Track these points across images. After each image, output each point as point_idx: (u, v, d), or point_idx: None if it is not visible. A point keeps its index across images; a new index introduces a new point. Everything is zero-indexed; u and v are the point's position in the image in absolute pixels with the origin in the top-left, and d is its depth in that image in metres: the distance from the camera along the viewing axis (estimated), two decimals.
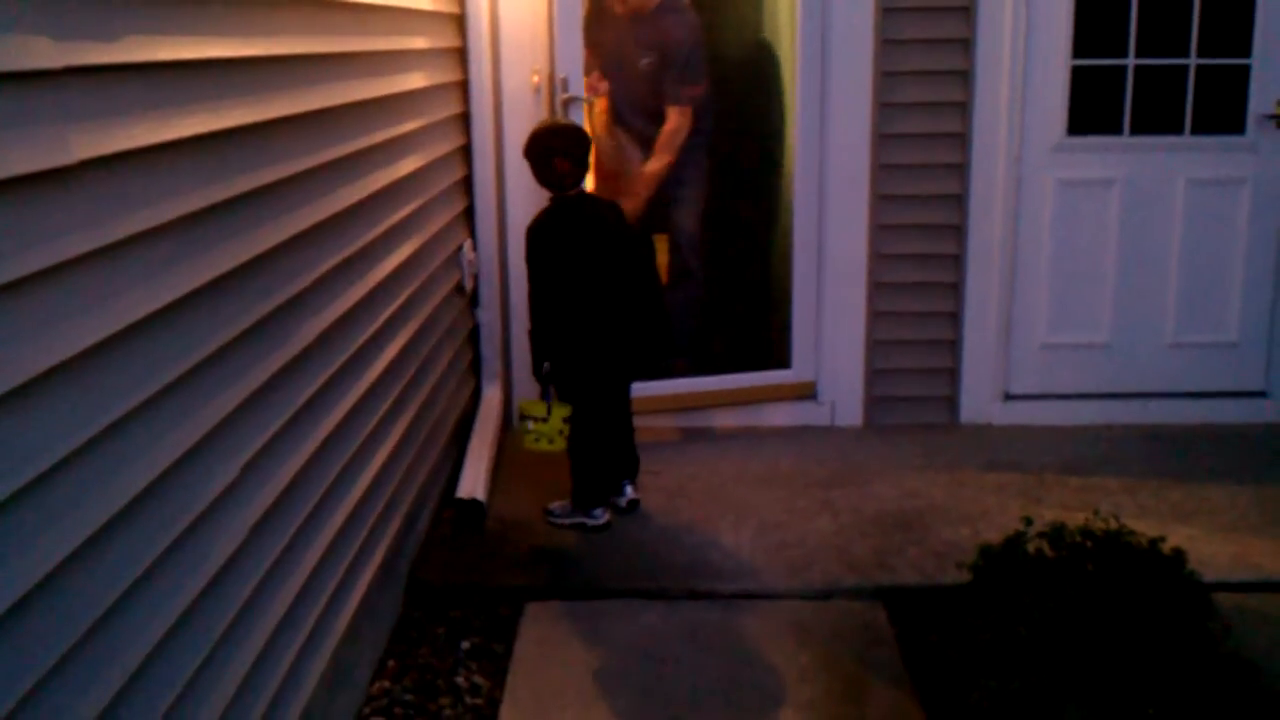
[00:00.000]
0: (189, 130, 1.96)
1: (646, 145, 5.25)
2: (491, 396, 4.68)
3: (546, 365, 3.80)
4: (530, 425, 3.80)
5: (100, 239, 1.66)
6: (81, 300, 1.63)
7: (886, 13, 4.50)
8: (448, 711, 2.98)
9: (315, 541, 2.63)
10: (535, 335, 3.83)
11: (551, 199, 3.82)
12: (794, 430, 4.84)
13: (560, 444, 3.82)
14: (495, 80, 4.52)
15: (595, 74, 4.70)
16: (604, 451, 3.93)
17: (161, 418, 1.87)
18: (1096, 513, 3.14)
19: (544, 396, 3.81)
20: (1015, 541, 2.98)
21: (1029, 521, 3.04)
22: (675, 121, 4.94)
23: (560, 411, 3.79)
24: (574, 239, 3.77)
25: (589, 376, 3.85)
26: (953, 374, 4.82)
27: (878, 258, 4.71)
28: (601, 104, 4.76)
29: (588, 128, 4.51)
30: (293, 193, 2.49)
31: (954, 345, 4.80)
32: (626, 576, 3.57)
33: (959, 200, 4.67)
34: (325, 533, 2.69)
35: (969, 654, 2.84)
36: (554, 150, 3.73)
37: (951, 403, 4.85)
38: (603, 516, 3.89)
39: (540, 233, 3.78)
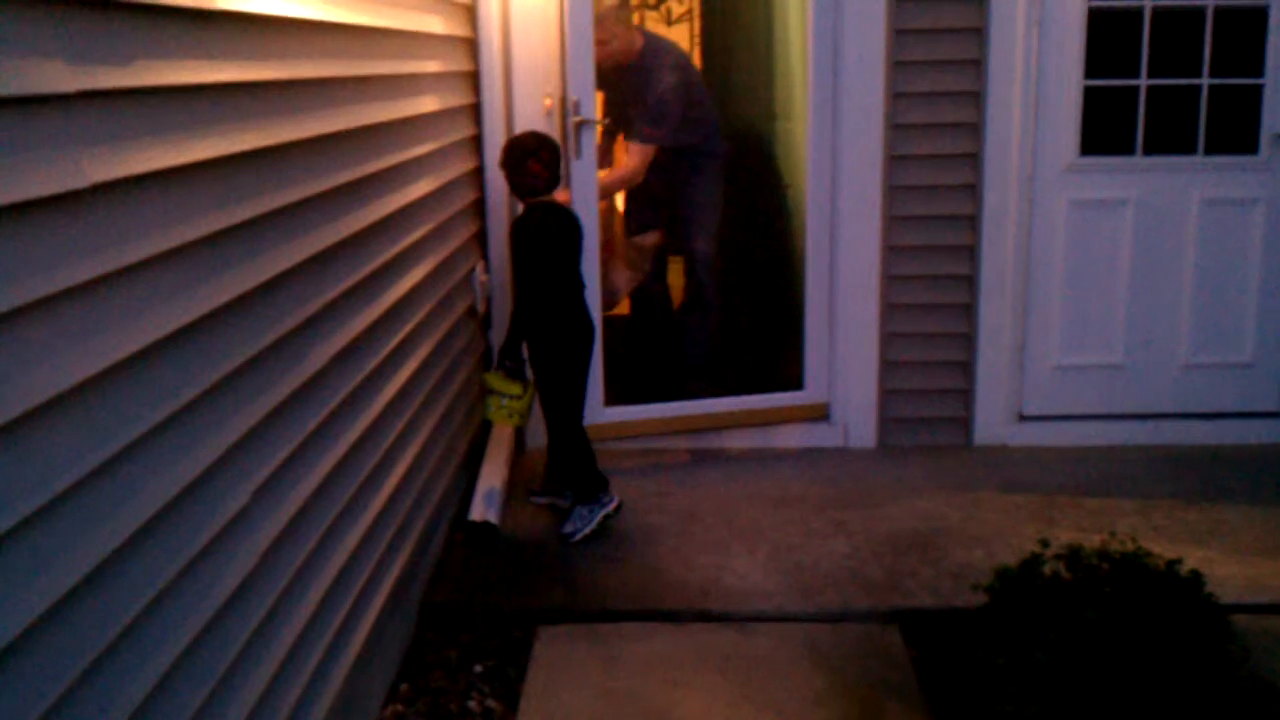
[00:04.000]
0: (201, 154, 1.96)
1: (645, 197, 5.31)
2: None
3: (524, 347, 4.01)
4: (504, 401, 3.99)
5: (112, 263, 1.66)
6: (93, 324, 1.62)
7: (898, 34, 4.50)
8: None
9: (328, 566, 2.62)
10: (520, 318, 3.99)
11: (529, 204, 3.96)
12: (807, 452, 4.82)
13: (519, 420, 4.05)
14: (507, 104, 4.53)
15: None
16: (585, 435, 4.07)
17: (172, 443, 1.86)
18: (1113, 534, 3.12)
19: (509, 376, 3.99)
20: (1031, 564, 2.96)
21: (1045, 543, 3.02)
22: (628, 165, 4.94)
23: (529, 391, 4.02)
24: (558, 236, 3.94)
25: (577, 362, 4.00)
26: (966, 395, 4.81)
27: (890, 279, 4.70)
28: None
29: (596, 152, 4.53)
30: (304, 217, 2.50)
31: (967, 366, 4.78)
32: (639, 599, 3.55)
33: (971, 221, 4.66)
34: (338, 557, 2.69)
35: (985, 678, 2.82)
36: (529, 154, 3.90)
37: (965, 424, 4.83)
38: (615, 497, 4.01)
39: (531, 229, 3.92)
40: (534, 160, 3.88)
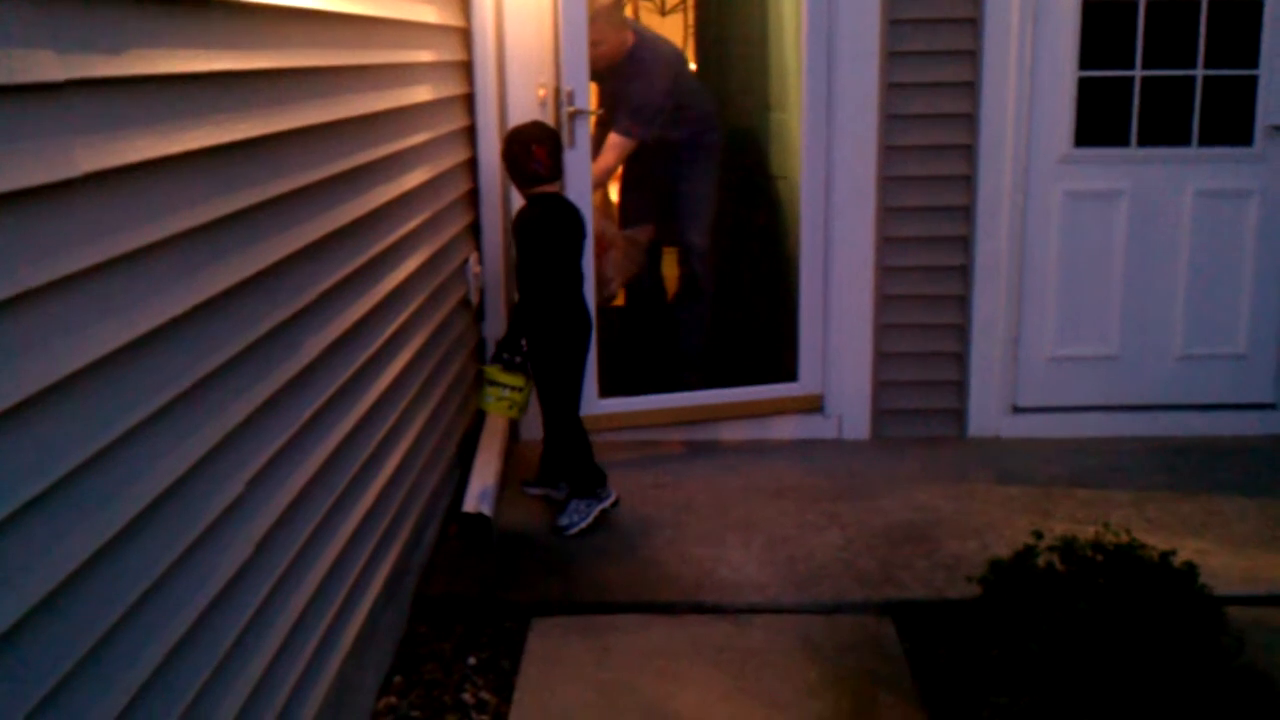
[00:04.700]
0: (194, 144, 1.95)
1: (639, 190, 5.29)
2: None
3: (524, 341, 3.98)
4: (505, 392, 3.98)
5: (104, 253, 1.65)
6: (84, 315, 1.62)
7: (893, 24, 4.50)
8: None
9: (321, 557, 2.62)
10: (523, 311, 3.95)
11: (532, 197, 3.92)
12: (801, 443, 4.82)
13: (518, 413, 4.05)
14: (501, 94, 4.52)
15: None
16: (583, 428, 4.04)
17: (166, 433, 1.86)
18: (1107, 526, 3.12)
19: (508, 369, 3.98)
20: (1025, 555, 2.96)
21: (1039, 535, 3.03)
22: (603, 159, 4.92)
23: (529, 384, 4.02)
24: (562, 229, 3.92)
25: (577, 356, 3.97)
26: (960, 386, 4.81)
27: (884, 270, 4.70)
28: None
29: (591, 143, 4.52)
30: (298, 207, 2.49)
31: (961, 358, 4.78)
32: (634, 591, 3.55)
33: (966, 212, 4.66)
34: (331, 548, 2.68)
35: (979, 669, 2.82)
36: (533, 141, 3.86)
37: (959, 415, 4.83)
38: (613, 493, 3.99)
39: (535, 221, 3.89)
40: (538, 146, 3.84)
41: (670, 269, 5.73)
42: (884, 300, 4.73)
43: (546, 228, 3.88)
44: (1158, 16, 4.56)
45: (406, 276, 3.39)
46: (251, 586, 2.20)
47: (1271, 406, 4.85)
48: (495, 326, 4.63)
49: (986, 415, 4.81)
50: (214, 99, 2.07)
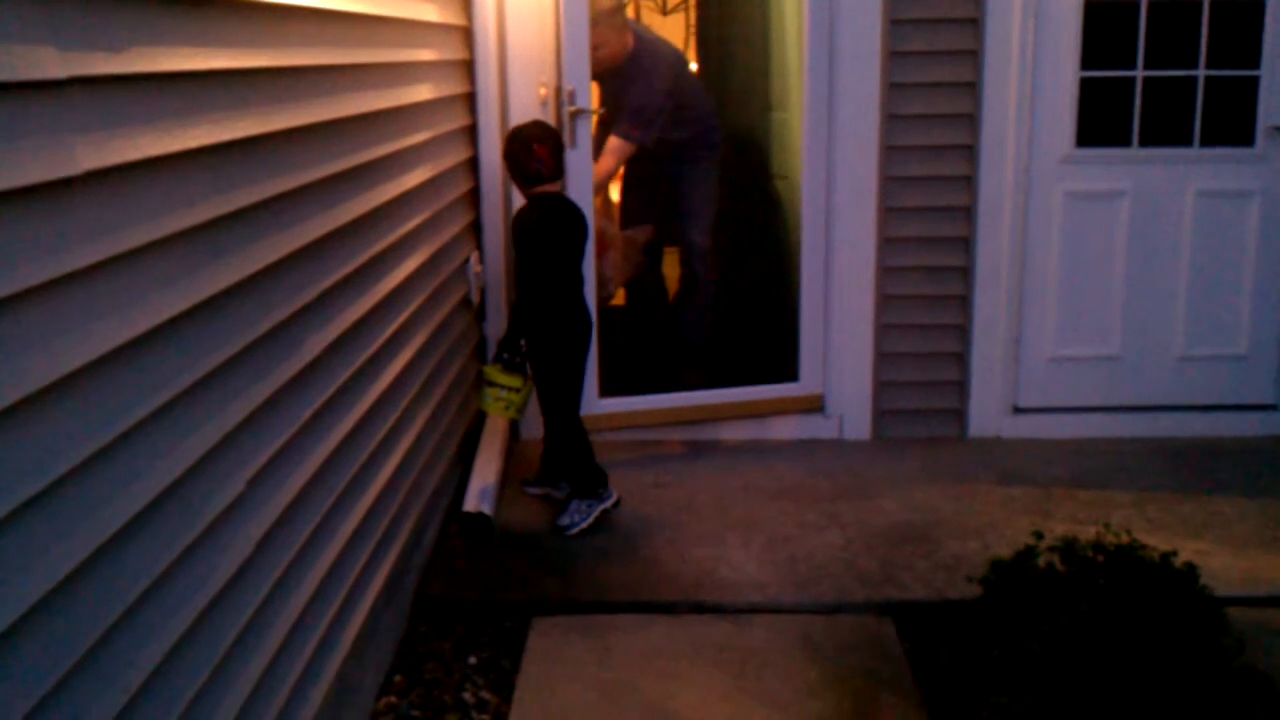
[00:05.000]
0: (195, 142, 1.95)
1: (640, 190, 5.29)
2: None
3: (523, 342, 3.99)
4: (503, 393, 3.98)
5: (105, 251, 1.65)
6: (85, 313, 1.61)
7: (894, 24, 4.49)
8: None
9: (322, 556, 2.61)
10: (522, 312, 3.95)
11: (533, 197, 3.90)
12: (802, 443, 4.82)
13: (516, 414, 4.05)
14: (502, 93, 4.52)
15: None
16: (584, 428, 4.03)
17: (167, 432, 1.85)
18: (1108, 526, 3.12)
19: (507, 369, 3.99)
20: (1026, 556, 2.96)
21: (1040, 535, 3.02)
22: (603, 162, 4.90)
23: (527, 384, 4.03)
24: (563, 228, 3.91)
25: (577, 357, 3.96)
26: (961, 387, 4.80)
27: (885, 270, 4.69)
28: None
29: (592, 143, 4.52)
30: (298, 206, 2.48)
31: (962, 358, 4.78)
32: (634, 590, 3.54)
33: (967, 212, 4.65)
34: (332, 547, 2.68)
35: (979, 669, 2.82)
36: (534, 140, 3.85)
37: (960, 416, 4.83)
38: (614, 493, 3.98)
39: (536, 221, 3.87)
40: (540, 146, 3.83)
41: (671, 269, 5.73)
42: (885, 300, 4.72)
43: (547, 227, 3.87)
44: (1159, 17, 4.56)
45: (407, 276, 3.39)
46: (251, 586, 2.20)
47: (1272, 407, 4.84)
48: (496, 326, 4.63)
49: (987, 415, 4.81)
50: (214, 97, 2.07)
